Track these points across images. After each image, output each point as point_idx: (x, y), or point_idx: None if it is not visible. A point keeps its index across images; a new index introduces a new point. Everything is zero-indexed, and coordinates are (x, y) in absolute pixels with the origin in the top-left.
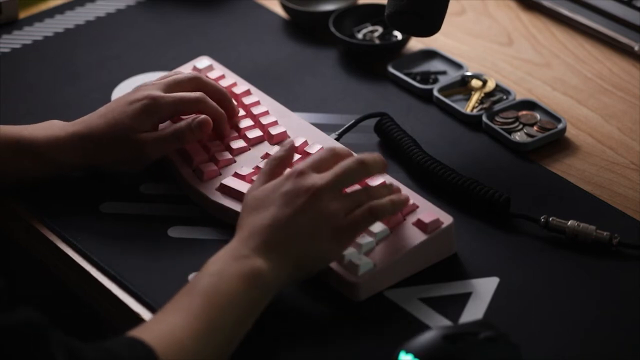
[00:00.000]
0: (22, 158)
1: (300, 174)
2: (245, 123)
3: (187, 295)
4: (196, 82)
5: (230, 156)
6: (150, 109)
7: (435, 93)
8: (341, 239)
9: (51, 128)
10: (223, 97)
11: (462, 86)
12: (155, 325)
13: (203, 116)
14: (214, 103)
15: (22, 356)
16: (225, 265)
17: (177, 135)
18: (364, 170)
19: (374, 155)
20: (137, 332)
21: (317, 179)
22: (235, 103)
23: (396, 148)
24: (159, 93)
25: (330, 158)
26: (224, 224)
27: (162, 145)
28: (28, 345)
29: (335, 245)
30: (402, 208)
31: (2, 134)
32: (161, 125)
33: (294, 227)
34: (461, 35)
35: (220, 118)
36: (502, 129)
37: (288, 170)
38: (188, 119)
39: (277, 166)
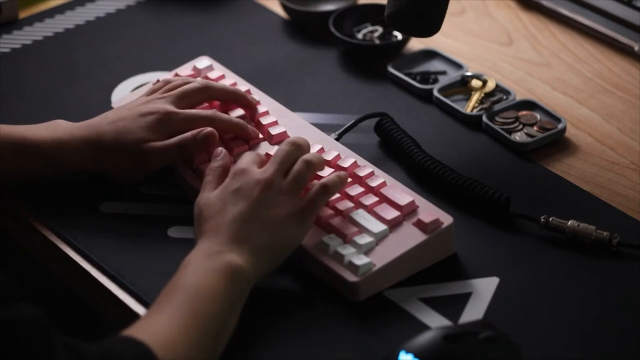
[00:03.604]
0: (25, 160)
1: (244, 171)
2: None
3: (168, 296)
4: (206, 92)
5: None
6: (164, 124)
7: (435, 93)
8: (303, 220)
9: (55, 130)
10: (237, 97)
11: (462, 86)
12: (145, 325)
13: (209, 129)
14: (227, 117)
15: (23, 351)
16: (199, 263)
17: (182, 147)
18: (297, 149)
19: (297, 137)
20: (128, 333)
21: (262, 171)
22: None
23: (396, 148)
24: (172, 108)
25: (260, 156)
26: None
27: (167, 156)
28: (29, 340)
29: (299, 227)
30: (346, 181)
31: (5, 135)
32: None
33: (255, 220)
34: (461, 35)
35: (239, 128)
36: (502, 129)
37: (231, 171)
38: (194, 131)
39: (220, 175)
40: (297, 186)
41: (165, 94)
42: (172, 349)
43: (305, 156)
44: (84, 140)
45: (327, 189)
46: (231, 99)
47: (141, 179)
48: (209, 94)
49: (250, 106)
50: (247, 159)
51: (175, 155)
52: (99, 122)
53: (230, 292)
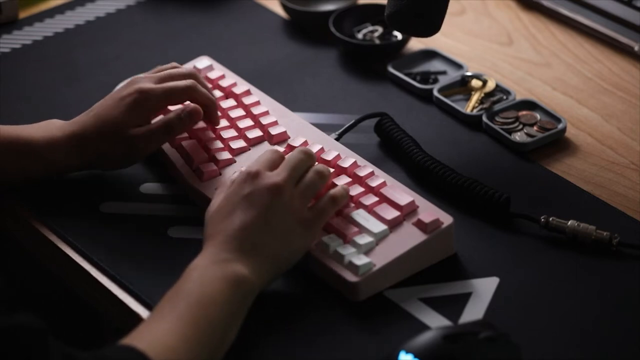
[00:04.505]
0: (20, 158)
1: (256, 174)
2: (245, 123)
3: (171, 302)
4: (191, 78)
5: (230, 156)
6: (141, 102)
7: (435, 93)
8: (310, 229)
9: (49, 128)
10: (210, 104)
11: (462, 86)
12: (145, 333)
13: (192, 105)
14: (203, 89)
15: (20, 359)
16: (205, 270)
17: (167, 127)
18: (309, 158)
19: (304, 147)
20: (128, 340)
21: (274, 176)
22: (236, 103)
23: (396, 148)
24: (149, 85)
25: (277, 157)
26: None
27: (154, 138)
28: (27, 348)
29: (306, 236)
30: (348, 192)
31: (1, 134)
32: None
33: (264, 227)
34: (461, 35)
35: (210, 104)
36: (502, 129)
37: (242, 173)
38: (177, 109)
39: None
40: (308, 195)
41: (147, 75)
42: (172, 357)
43: (317, 167)
44: (72, 136)
45: (336, 200)
46: (205, 102)
47: (138, 161)
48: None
49: (213, 121)
50: (260, 160)
51: (163, 137)
52: (85, 115)
53: (234, 301)
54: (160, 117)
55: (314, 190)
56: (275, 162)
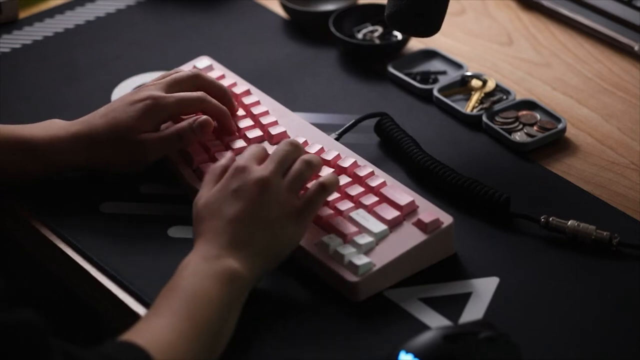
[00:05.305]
0: (22, 158)
1: (244, 169)
2: (245, 123)
3: (166, 298)
4: (197, 80)
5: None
6: (152, 110)
7: (435, 93)
8: (301, 220)
9: (52, 128)
10: (223, 95)
11: (462, 86)
12: (143, 329)
13: (204, 117)
14: (215, 101)
15: (20, 356)
16: (197, 267)
17: (179, 136)
18: (296, 150)
19: (294, 138)
20: (127, 337)
21: (262, 169)
22: (235, 103)
23: (396, 148)
24: (160, 93)
25: (262, 150)
26: None
27: (163, 146)
28: (27, 345)
29: (297, 227)
30: (338, 180)
31: (2, 133)
32: (162, 126)
33: (253, 221)
34: (461, 35)
35: (223, 116)
36: (502, 129)
37: (231, 167)
38: (189, 119)
39: (219, 175)
40: (297, 186)
41: (155, 82)
42: (171, 353)
43: (305, 156)
44: (78, 136)
45: (326, 187)
46: (217, 92)
47: (141, 171)
48: (199, 82)
49: (228, 131)
50: (247, 155)
51: (173, 146)
52: (92, 117)
53: (228, 296)
54: (169, 123)
55: (301, 181)
56: (261, 155)
